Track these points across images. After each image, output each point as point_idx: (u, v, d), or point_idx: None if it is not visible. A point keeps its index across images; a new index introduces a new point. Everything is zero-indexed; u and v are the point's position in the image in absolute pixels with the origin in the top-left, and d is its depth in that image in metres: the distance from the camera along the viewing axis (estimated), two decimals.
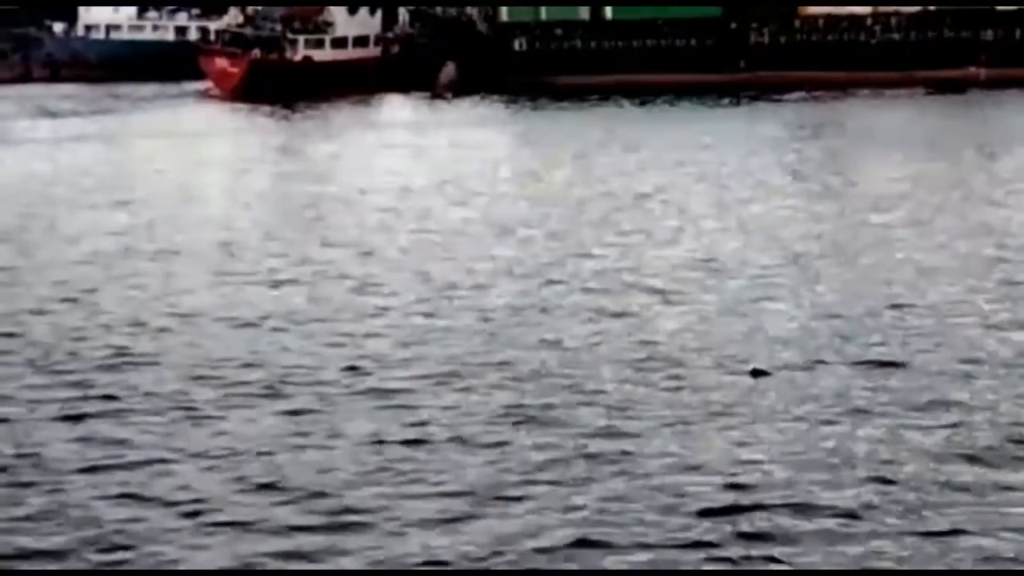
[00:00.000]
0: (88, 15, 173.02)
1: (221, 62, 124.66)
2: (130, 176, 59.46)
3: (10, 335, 27.74)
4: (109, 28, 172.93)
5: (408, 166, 61.95)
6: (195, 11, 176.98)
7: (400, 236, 40.19)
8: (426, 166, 61.56)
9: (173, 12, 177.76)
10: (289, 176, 59.81)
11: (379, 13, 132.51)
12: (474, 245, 38.32)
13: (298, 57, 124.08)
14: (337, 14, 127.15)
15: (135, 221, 44.40)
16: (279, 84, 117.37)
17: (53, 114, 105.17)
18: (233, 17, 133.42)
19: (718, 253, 35.93)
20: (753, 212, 43.85)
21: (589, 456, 19.65)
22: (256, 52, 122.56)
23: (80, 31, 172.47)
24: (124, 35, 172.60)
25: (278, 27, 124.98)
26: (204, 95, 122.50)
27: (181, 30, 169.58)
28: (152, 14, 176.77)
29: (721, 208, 44.93)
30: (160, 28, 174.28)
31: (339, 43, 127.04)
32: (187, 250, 38.29)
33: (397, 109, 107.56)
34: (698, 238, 38.66)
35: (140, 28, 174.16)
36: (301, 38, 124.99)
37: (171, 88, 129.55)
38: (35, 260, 37.32)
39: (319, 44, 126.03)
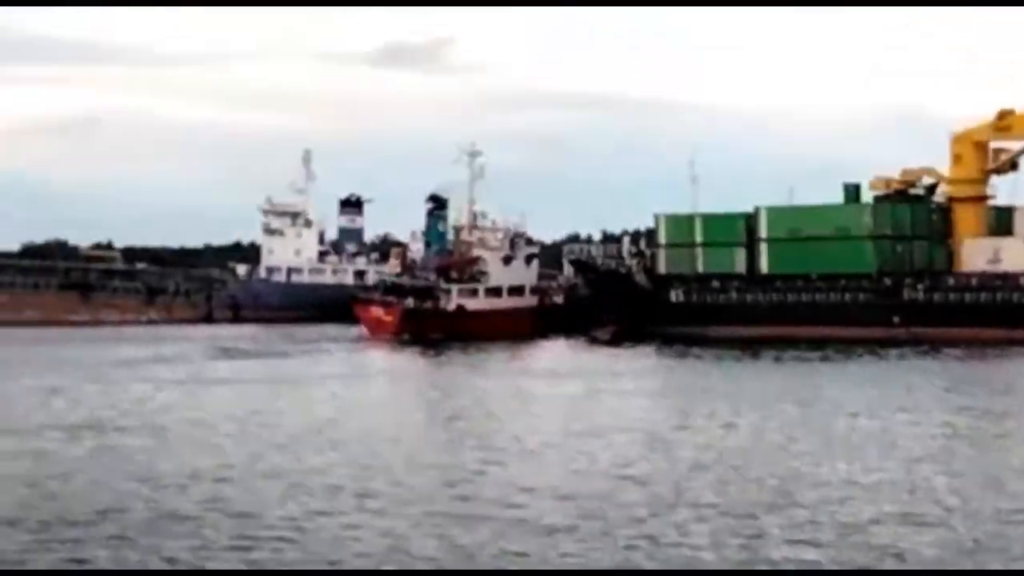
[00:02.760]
0: (270, 258, 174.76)
1: (376, 310, 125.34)
2: (290, 417, 57.64)
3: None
4: (291, 271, 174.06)
5: (555, 413, 59.07)
6: (374, 256, 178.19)
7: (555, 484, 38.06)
8: (579, 414, 58.61)
9: (353, 256, 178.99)
10: (440, 418, 58.02)
11: (535, 263, 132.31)
12: (629, 491, 36.41)
13: (451, 306, 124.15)
14: (492, 264, 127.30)
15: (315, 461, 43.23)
16: (432, 331, 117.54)
17: (229, 355, 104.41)
18: (392, 267, 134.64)
19: (911, 507, 34.26)
20: (909, 471, 40.56)
21: None
22: (409, 301, 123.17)
23: (262, 273, 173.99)
24: (305, 279, 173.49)
25: (432, 276, 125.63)
26: (362, 340, 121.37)
27: (360, 274, 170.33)
28: (332, 258, 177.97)
29: (885, 465, 42.00)
30: (339, 272, 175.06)
31: (493, 292, 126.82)
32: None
33: (551, 356, 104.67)
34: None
35: (320, 272, 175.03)
36: (455, 287, 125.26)
37: (345, 331, 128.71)
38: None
39: (473, 293, 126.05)
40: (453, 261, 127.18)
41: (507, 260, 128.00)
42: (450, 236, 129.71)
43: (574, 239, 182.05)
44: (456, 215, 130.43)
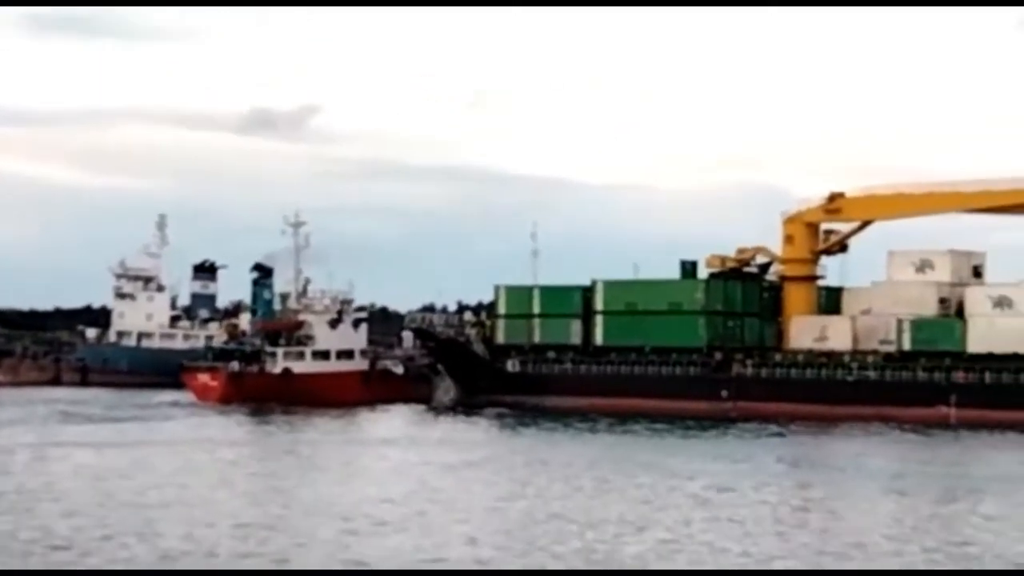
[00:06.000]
0: (121, 322, 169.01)
1: (203, 376, 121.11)
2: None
3: None
4: (141, 336, 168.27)
5: (378, 482, 58.04)
6: (227, 322, 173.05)
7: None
8: (401, 483, 57.74)
9: (205, 322, 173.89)
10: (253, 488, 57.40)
11: (363, 328, 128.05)
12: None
13: (277, 369, 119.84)
14: (317, 328, 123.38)
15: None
16: (258, 395, 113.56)
17: (73, 419, 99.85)
18: (219, 335, 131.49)
19: None
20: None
21: None
22: (234, 365, 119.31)
23: (112, 337, 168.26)
24: (155, 344, 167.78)
25: (259, 342, 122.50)
26: (192, 406, 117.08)
27: (211, 340, 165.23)
28: (184, 323, 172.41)
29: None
30: (191, 338, 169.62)
31: (321, 355, 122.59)
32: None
33: (374, 423, 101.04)
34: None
35: (171, 337, 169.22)
36: (280, 351, 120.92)
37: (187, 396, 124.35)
38: None
39: (300, 356, 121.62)
40: (278, 324, 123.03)
41: (334, 324, 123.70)
42: (276, 305, 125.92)
43: (429, 309, 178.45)
44: (283, 284, 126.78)
